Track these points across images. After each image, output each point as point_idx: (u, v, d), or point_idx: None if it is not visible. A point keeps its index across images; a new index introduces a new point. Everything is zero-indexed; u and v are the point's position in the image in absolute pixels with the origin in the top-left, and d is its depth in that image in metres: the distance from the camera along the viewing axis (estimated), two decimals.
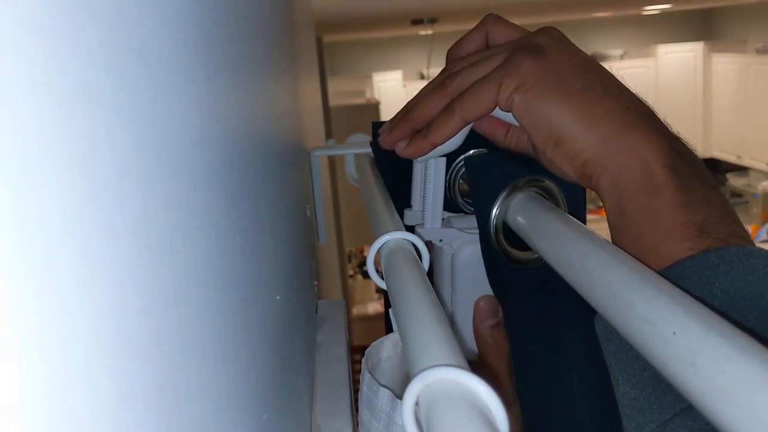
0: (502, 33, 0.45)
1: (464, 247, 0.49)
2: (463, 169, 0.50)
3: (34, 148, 0.10)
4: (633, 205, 0.36)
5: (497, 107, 0.41)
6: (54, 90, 0.11)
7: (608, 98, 0.38)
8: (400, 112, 0.47)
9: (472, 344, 0.50)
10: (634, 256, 0.33)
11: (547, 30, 0.42)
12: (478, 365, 0.49)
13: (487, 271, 0.46)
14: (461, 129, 0.43)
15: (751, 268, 0.31)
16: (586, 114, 0.38)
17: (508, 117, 0.42)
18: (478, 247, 0.47)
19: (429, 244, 0.51)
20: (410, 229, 0.43)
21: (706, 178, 0.36)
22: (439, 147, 0.44)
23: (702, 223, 0.33)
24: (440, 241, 0.50)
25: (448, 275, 0.50)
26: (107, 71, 0.14)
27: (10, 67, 0.10)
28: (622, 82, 0.40)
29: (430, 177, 0.48)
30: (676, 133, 0.38)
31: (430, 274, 0.52)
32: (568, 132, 0.38)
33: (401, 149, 0.46)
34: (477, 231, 0.47)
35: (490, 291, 0.48)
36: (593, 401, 0.47)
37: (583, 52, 0.41)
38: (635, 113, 0.37)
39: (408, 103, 0.47)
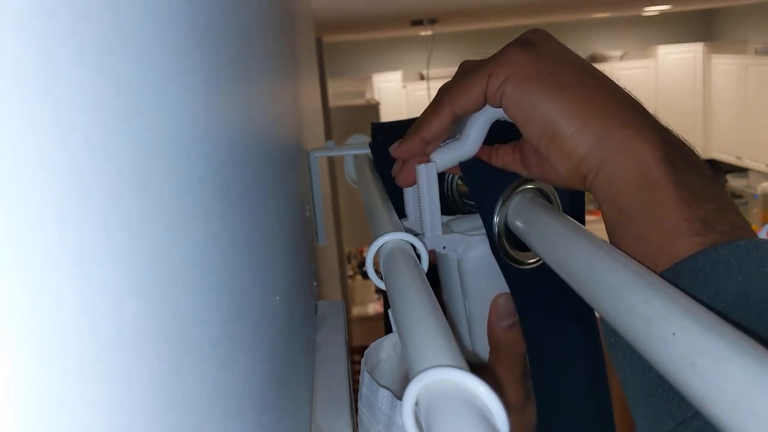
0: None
1: (470, 251, 0.47)
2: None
3: (28, 149, 0.10)
4: (632, 204, 0.35)
5: (487, 103, 0.40)
6: (48, 91, 0.11)
7: (603, 92, 0.37)
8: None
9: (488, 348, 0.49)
10: (637, 256, 0.33)
11: (534, 29, 0.42)
12: (489, 368, 0.48)
13: (503, 273, 0.46)
14: (450, 122, 0.42)
15: (762, 260, 0.30)
16: (582, 109, 0.37)
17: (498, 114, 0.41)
18: (483, 248, 0.46)
19: (431, 253, 0.50)
20: None
21: (703, 170, 0.35)
22: (454, 154, 0.44)
23: (705, 217, 0.33)
24: (444, 248, 0.48)
25: (456, 281, 0.49)
26: (101, 72, 0.14)
27: (3, 69, 0.10)
28: (611, 78, 0.39)
29: (422, 184, 0.46)
30: (666, 125, 0.37)
31: (434, 280, 0.52)
32: (563, 128, 0.37)
33: (394, 150, 0.45)
34: (479, 233, 0.47)
35: (501, 291, 0.48)
36: (600, 400, 0.47)
37: (570, 49, 0.41)
38: (628, 108, 0.37)
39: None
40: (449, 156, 0.45)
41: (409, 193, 0.50)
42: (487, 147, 0.44)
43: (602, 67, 0.41)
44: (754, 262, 0.30)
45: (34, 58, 0.11)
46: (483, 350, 0.49)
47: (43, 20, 0.11)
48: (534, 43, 0.39)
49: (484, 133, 0.43)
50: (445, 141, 0.45)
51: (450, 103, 0.41)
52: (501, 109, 0.40)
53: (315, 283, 0.74)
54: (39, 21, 0.11)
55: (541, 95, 0.38)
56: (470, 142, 0.43)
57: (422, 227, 0.48)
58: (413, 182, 0.47)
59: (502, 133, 0.44)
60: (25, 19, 0.10)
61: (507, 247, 0.45)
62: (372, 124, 0.58)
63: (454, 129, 0.44)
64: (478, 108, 0.41)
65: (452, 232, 0.48)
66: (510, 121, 0.41)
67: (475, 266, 0.47)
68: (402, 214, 0.50)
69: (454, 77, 0.43)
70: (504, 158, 0.44)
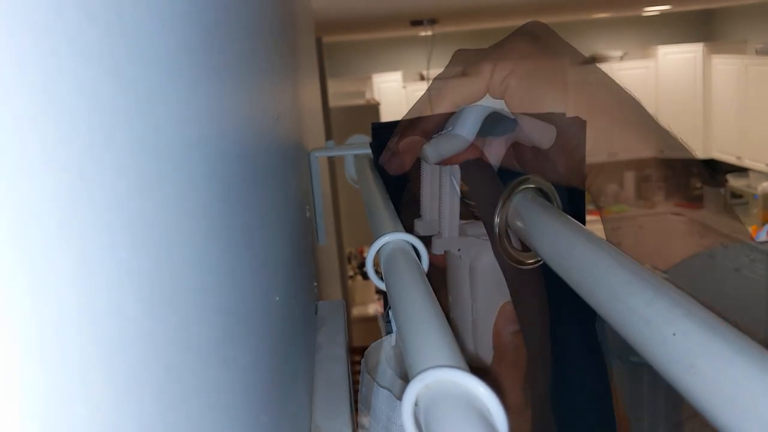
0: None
1: (482, 255, 0.48)
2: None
3: (31, 149, 0.10)
4: (632, 206, 0.35)
5: (488, 94, 0.39)
6: (51, 91, 0.11)
7: (605, 92, 0.37)
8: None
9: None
10: (636, 257, 0.33)
11: (535, 22, 0.41)
12: (492, 371, 0.49)
13: (502, 272, 0.46)
14: (451, 114, 0.41)
15: (759, 265, 0.31)
16: (585, 108, 0.36)
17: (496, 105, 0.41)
18: None
19: (442, 255, 0.50)
20: (425, 239, 0.42)
21: (701, 174, 0.35)
22: (448, 146, 0.43)
23: (703, 220, 0.33)
24: (459, 250, 0.48)
25: (466, 283, 0.49)
26: (105, 72, 0.14)
27: (7, 68, 0.10)
28: (611, 75, 0.39)
29: (445, 186, 0.46)
30: (666, 126, 0.37)
31: (439, 279, 0.52)
32: (566, 126, 0.37)
33: (394, 145, 0.44)
34: None
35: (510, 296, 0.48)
36: (601, 400, 0.47)
37: (571, 45, 0.40)
38: (629, 108, 0.37)
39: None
40: (444, 148, 0.44)
41: (426, 194, 0.50)
42: (479, 139, 0.44)
43: (602, 67, 0.41)
44: (752, 266, 0.31)
45: (40, 57, 0.11)
46: (486, 353, 0.49)
47: (48, 20, 0.11)
48: (539, 36, 0.39)
49: (478, 126, 0.43)
50: (438, 132, 0.44)
51: (452, 94, 0.40)
52: (498, 101, 0.40)
53: (315, 284, 0.74)
54: (44, 20, 0.11)
55: (545, 92, 0.37)
56: (464, 133, 0.43)
57: (440, 227, 0.48)
58: (404, 170, 0.46)
59: (493, 126, 0.44)
60: (30, 17, 0.10)
61: (508, 246, 0.45)
62: (372, 124, 0.58)
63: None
64: (479, 99, 0.40)
65: (467, 235, 0.48)
66: (503, 114, 0.40)
67: (486, 270, 0.48)
68: (402, 214, 0.50)
69: (449, 68, 0.43)
70: (497, 152, 0.44)
